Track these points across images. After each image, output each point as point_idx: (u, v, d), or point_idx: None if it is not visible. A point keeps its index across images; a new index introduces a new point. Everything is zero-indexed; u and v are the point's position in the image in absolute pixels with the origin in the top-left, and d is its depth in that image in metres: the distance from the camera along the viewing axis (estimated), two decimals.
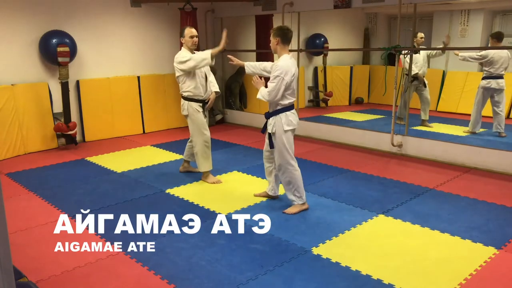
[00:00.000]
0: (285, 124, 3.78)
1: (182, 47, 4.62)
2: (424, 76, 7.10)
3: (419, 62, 6.97)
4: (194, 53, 4.58)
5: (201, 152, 4.71)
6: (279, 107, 3.79)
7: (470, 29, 8.80)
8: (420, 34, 6.89)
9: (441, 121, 7.52)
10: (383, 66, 6.37)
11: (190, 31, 4.55)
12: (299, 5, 6.76)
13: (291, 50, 7.15)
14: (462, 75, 8.55)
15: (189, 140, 4.89)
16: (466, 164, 5.30)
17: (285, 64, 3.72)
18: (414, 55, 6.71)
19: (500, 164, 5.05)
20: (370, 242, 3.38)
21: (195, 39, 4.55)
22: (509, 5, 8.15)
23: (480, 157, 5.20)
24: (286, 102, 3.77)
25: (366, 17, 10.39)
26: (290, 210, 3.92)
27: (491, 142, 6.10)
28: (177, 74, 4.59)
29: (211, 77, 4.83)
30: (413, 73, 6.82)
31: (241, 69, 8.98)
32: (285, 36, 3.82)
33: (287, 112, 3.80)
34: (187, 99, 4.63)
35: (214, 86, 4.81)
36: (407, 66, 6.55)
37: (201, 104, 4.66)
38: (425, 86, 7.12)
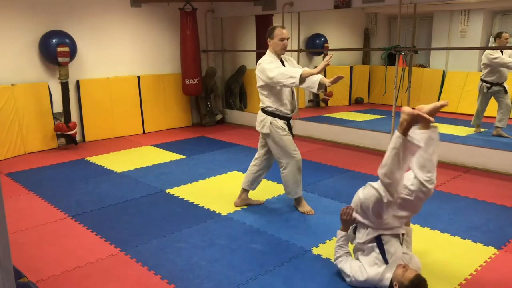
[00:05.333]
0: None
1: (268, 51, 3.81)
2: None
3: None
4: (283, 61, 3.82)
5: (293, 178, 3.85)
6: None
7: (470, 29, 8.80)
8: (505, 35, 6.14)
9: (441, 121, 7.45)
10: (383, 66, 6.36)
11: (281, 32, 3.69)
12: (299, 5, 6.76)
13: (291, 50, 7.19)
14: (462, 75, 8.56)
15: (254, 160, 4.07)
16: (466, 164, 5.30)
17: None
18: (502, 55, 6.23)
19: (500, 164, 5.05)
20: None
21: (286, 42, 3.71)
22: (509, 5, 8.16)
23: (480, 157, 5.20)
24: None
25: (366, 17, 10.39)
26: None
27: (491, 142, 6.10)
28: (258, 83, 3.79)
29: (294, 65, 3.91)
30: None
31: (241, 69, 9.01)
32: None
33: None
34: (269, 113, 3.79)
35: (315, 81, 3.70)
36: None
37: (286, 122, 3.82)
38: (506, 92, 6.43)
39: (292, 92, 3.86)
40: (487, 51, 6.36)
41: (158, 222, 3.77)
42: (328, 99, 9.53)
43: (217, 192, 4.53)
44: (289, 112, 3.80)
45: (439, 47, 9.14)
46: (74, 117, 6.64)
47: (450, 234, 3.47)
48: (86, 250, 3.28)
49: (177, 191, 4.54)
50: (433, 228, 3.58)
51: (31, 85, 6.20)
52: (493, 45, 6.50)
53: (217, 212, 3.96)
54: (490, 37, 8.81)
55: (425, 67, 9.43)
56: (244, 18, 8.24)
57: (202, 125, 8.05)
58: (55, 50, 6.02)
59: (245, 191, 4.10)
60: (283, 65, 3.80)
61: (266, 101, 3.79)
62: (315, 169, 5.25)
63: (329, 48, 9.19)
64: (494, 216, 3.84)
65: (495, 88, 6.43)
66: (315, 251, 3.21)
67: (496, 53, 6.26)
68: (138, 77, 7.36)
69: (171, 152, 6.13)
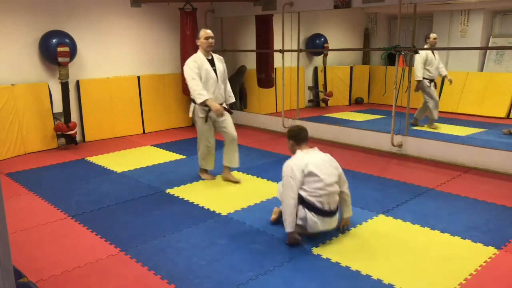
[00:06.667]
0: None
1: (198, 51, 4.51)
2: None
3: (434, 64, 6.91)
4: (211, 56, 4.53)
5: (200, 156, 4.90)
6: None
7: (470, 29, 8.81)
8: (433, 35, 6.83)
9: (441, 121, 7.50)
10: (383, 66, 6.36)
11: (205, 32, 4.44)
12: (299, 5, 6.76)
13: (291, 50, 7.18)
14: (462, 75, 8.55)
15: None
16: (466, 164, 5.30)
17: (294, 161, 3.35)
18: (430, 57, 6.83)
19: (500, 164, 5.04)
20: (370, 242, 3.38)
21: (211, 40, 4.44)
22: (509, 5, 8.16)
23: (480, 157, 5.20)
24: None
25: (366, 17, 10.40)
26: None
27: (491, 142, 6.10)
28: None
29: (228, 86, 4.76)
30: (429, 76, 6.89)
31: (241, 69, 9.01)
32: (298, 137, 3.44)
33: None
34: (192, 101, 4.56)
35: (231, 97, 4.79)
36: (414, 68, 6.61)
37: (206, 109, 4.52)
38: (435, 87, 7.09)
39: (218, 81, 4.46)
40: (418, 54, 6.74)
41: (158, 222, 3.77)
42: (328, 99, 9.53)
43: (217, 192, 4.53)
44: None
45: (439, 47, 9.13)
46: (74, 117, 6.64)
47: (450, 234, 3.47)
48: (86, 250, 3.28)
49: (177, 191, 4.54)
50: (433, 228, 3.58)
51: (31, 85, 6.20)
52: (425, 46, 6.91)
53: (217, 212, 3.96)
54: (490, 37, 8.81)
55: None
56: (244, 18, 8.24)
57: None
58: (55, 50, 6.02)
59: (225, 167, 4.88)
60: (213, 64, 4.48)
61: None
62: None
63: (329, 48, 9.19)
64: (494, 216, 3.84)
65: (431, 83, 6.98)
66: (315, 251, 3.21)
67: (424, 55, 6.78)
68: (138, 77, 7.36)
69: (171, 152, 6.13)
